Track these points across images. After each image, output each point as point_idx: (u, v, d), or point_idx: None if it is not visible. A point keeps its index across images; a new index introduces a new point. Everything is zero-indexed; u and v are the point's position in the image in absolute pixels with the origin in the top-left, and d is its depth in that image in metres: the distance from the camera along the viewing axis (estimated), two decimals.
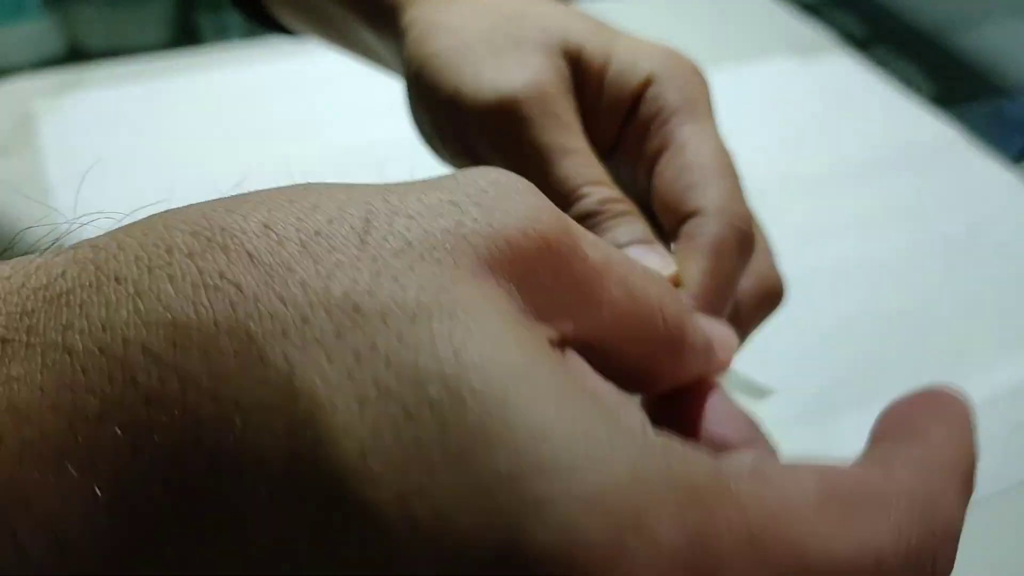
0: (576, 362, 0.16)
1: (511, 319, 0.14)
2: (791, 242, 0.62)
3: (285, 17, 0.38)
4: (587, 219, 0.25)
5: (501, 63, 0.27)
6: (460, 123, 0.28)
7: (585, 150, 0.26)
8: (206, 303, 0.14)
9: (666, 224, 0.26)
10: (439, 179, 0.16)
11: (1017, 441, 0.48)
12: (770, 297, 0.29)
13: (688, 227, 0.25)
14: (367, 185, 0.16)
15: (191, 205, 0.16)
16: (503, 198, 0.15)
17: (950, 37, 0.88)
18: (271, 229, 0.14)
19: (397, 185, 0.16)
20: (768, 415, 0.48)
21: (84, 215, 0.20)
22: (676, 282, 0.24)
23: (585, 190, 0.25)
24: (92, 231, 0.59)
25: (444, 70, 0.27)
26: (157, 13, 1.16)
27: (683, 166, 0.26)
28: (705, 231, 0.25)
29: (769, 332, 0.53)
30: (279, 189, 0.16)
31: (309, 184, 0.16)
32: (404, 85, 0.30)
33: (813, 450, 0.46)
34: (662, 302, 0.18)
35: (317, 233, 0.14)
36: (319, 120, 0.65)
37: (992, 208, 0.63)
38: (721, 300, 0.25)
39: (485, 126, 0.27)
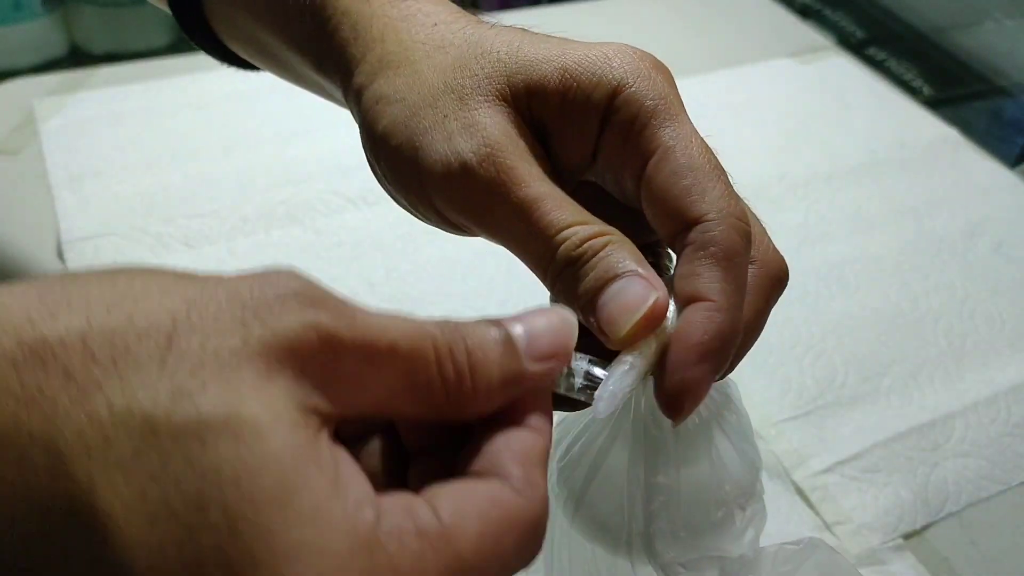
0: (334, 453, 0.18)
1: (287, 423, 0.17)
2: (791, 242, 0.62)
3: (241, 53, 0.38)
4: (572, 265, 0.25)
5: (447, 130, 0.27)
6: (428, 195, 0.28)
7: (549, 193, 0.26)
8: (24, 416, 0.16)
9: (663, 230, 0.26)
10: (238, 291, 0.18)
11: (1017, 441, 0.48)
12: (777, 279, 0.29)
13: (694, 236, 0.25)
14: (179, 287, 0.18)
15: (20, 292, 0.17)
16: (285, 310, 0.18)
17: (948, 38, 0.88)
18: (87, 345, 0.17)
19: (203, 293, 0.18)
20: (768, 415, 0.48)
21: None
22: (662, 309, 0.24)
23: (561, 236, 0.25)
24: (93, 248, 0.58)
25: (399, 149, 0.27)
26: (158, 15, 1.16)
27: (674, 171, 0.26)
28: (716, 240, 0.25)
29: (769, 332, 0.54)
30: (100, 287, 0.18)
31: (129, 282, 0.18)
32: (365, 154, 0.30)
33: (813, 450, 0.46)
34: (442, 373, 0.20)
35: (126, 350, 0.17)
36: (317, 121, 0.65)
37: (991, 208, 0.63)
38: (741, 304, 0.25)
39: (449, 197, 0.27)
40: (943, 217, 0.62)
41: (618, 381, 0.24)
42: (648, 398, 0.28)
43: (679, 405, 0.24)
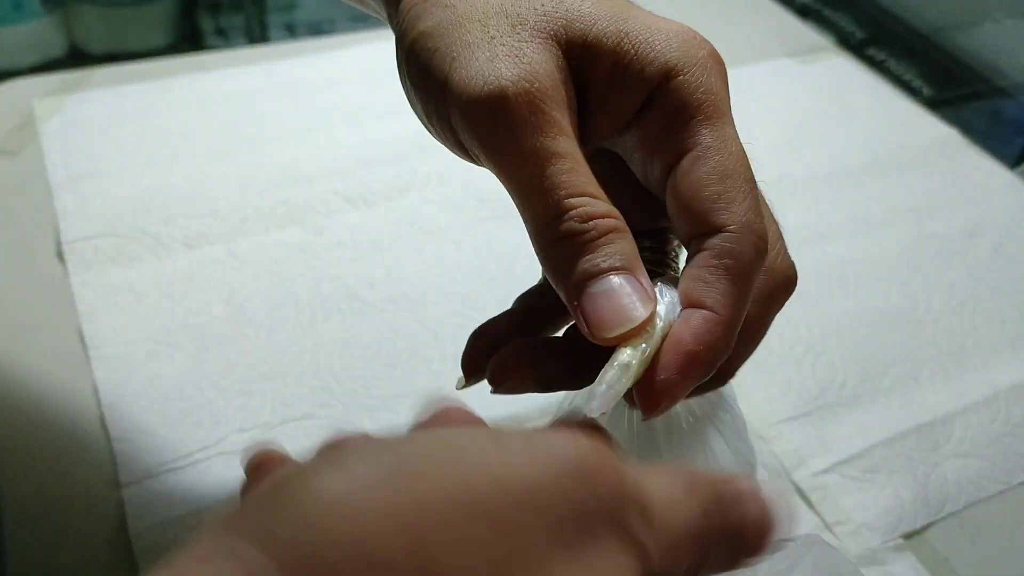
0: None
1: None
2: (790, 242, 0.62)
3: None
4: (572, 238, 0.24)
5: (493, 51, 0.25)
6: (447, 109, 0.26)
7: (572, 153, 0.25)
8: None
9: (682, 227, 0.26)
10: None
11: (1017, 441, 0.48)
12: (784, 287, 0.29)
13: (713, 243, 0.25)
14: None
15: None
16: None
17: (948, 38, 0.88)
18: None
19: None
20: (768, 415, 0.48)
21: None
22: (646, 326, 0.24)
23: (570, 203, 0.24)
24: (93, 248, 0.58)
25: (435, 52, 0.26)
26: (158, 16, 1.16)
27: (708, 173, 0.25)
28: (733, 254, 0.24)
29: (769, 332, 0.53)
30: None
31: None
32: (396, 53, 0.28)
33: (813, 450, 0.46)
34: None
35: None
36: (316, 121, 0.65)
37: (990, 208, 0.63)
38: (741, 321, 0.25)
39: (472, 120, 0.25)
40: (943, 217, 0.62)
41: (613, 380, 0.24)
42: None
43: (656, 403, 0.24)
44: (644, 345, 0.24)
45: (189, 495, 0.41)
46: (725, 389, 0.30)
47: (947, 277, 0.57)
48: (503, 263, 0.55)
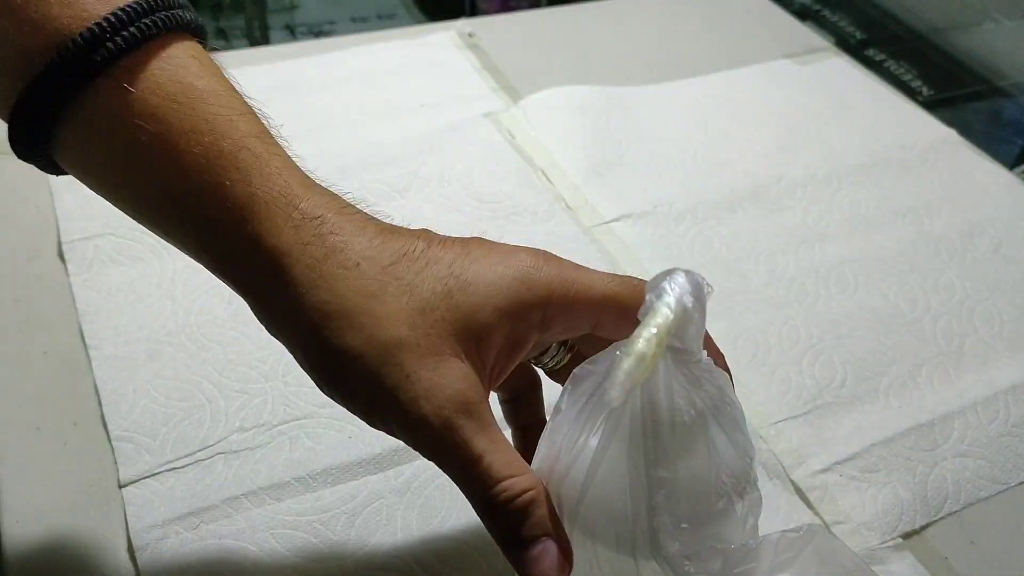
0: None
1: None
2: (790, 242, 0.63)
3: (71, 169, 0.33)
4: (506, 512, 0.30)
5: (435, 372, 0.29)
6: (384, 418, 0.30)
7: (498, 444, 0.30)
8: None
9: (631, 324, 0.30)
10: None
11: (1016, 441, 0.48)
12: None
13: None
14: None
15: None
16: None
17: (947, 39, 0.88)
18: None
19: None
20: (767, 415, 0.48)
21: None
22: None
23: (499, 487, 0.30)
24: (93, 248, 0.58)
25: (377, 368, 0.29)
26: None
27: (603, 298, 0.33)
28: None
29: (768, 332, 0.54)
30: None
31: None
32: (302, 350, 0.31)
33: (812, 449, 0.46)
34: None
35: None
36: (317, 123, 0.66)
37: (989, 208, 0.64)
38: None
39: (417, 433, 0.30)
40: (942, 218, 0.62)
41: (630, 368, 0.24)
42: (645, 393, 0.28)
43: None
44: (655, 329, 0.25)
45: (189, 495, 0.41)
46: (723, 381, 0.31)
47: (946, 277, 0.57)
48: None
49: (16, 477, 0.42)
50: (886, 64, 0.83)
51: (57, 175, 0.33)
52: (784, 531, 0.31)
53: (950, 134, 0.70)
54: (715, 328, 0.51)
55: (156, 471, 0.42)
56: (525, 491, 0.30)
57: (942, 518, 0.44)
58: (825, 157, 0.67)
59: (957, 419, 0.48)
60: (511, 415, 0.39)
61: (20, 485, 0.42)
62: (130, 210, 0.31)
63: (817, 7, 0.92)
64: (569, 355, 0.37)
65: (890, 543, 0.42)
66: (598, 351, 0.31)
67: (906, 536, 0.43)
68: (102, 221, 0.55)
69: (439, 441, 0.30)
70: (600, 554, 0.31)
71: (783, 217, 0.61)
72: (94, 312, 0.50)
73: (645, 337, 0.25)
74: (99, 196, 0.32)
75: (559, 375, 0.37)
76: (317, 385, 0.31)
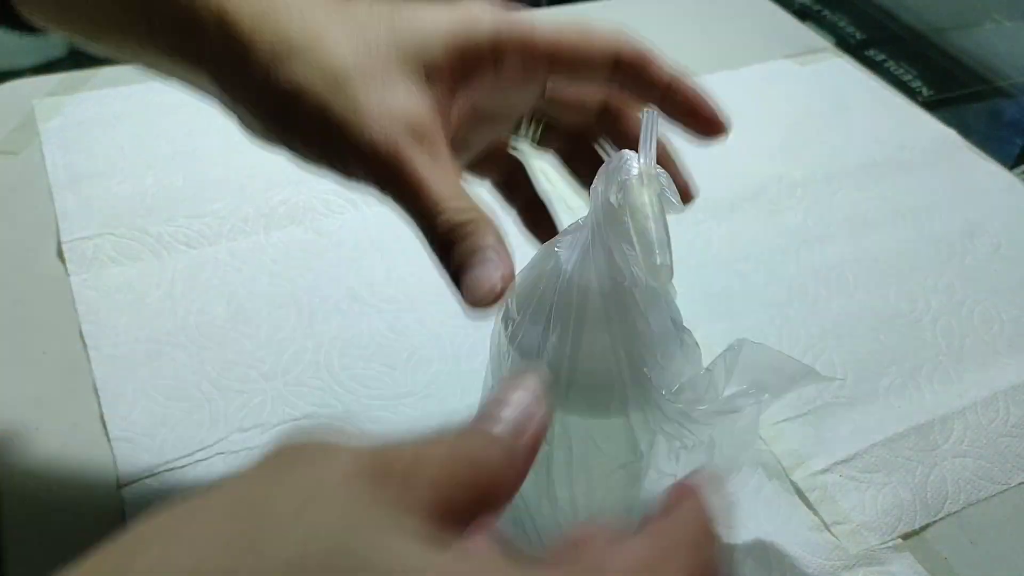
0: None
1: None
2: (790, 243, 0.62)
3: (35, 15, 0.35)
4: (452, 231, 0.30)
5: (383, 97, 0.29)
6: (338, 151, 0.30)
7: (449, 173, 0.30)
8: None
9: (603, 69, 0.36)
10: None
11: (1016, 441, 0.48)
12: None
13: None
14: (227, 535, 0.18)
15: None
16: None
17: (947, 39, 0.88)
18: None
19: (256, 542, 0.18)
20: (767, 415, 0.48)
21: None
22: (507, 281, 0.28)
23: (444, 213, 0.30)
24: (93, 248, 0.58)
25: (327, 97, 0.29)
26: None
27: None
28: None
29: (768, 332, 0.54)
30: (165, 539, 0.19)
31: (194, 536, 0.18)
32: (256, 94, 0.32)
33: (812, 450, 0.46)
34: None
35: None
36: None
37: (989, 209, 0.64)
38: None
39: (368, 161, 0.29)
40: (942, 218, 0.62)
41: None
42: (612, 259, 0.31)
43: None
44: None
45: (189, 495, 0.41)
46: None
47: (946, 278, 0.57)
48: None
49: (16, 477, 0.42)
50: (886, 64, 0.83)
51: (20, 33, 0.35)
52: (723, 352, 0.34)
53: (950, 134, 0.70)
54: (715, 328, 0.51)
55: (155, 471, 0.42)
56: (471, 219, 0.30)
57: (942, 518, 0.44)
58: (825, 157, 0.67)
59: (957, 419, 0.48)
60: (507, 196, 0.40)
61: (20, 485, 0.42)
62: (79, 16, 0.33)
63: (817, 7, 0.92)
64: (541, 126, 0.39)
65: (890, 543, 0.42)
66: (566, 120, 0.35)
67: (906, 536, 0.43)
68: (102, 221, 0.55)
69: (387, 166, 0.29)
70: (593, 428, 0.33)
71: (783, 217, 0.61)
72: (94, 312, 0.50)
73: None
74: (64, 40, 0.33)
75: (544, 148, 0.40)
76: (272, 138, 0.32)
